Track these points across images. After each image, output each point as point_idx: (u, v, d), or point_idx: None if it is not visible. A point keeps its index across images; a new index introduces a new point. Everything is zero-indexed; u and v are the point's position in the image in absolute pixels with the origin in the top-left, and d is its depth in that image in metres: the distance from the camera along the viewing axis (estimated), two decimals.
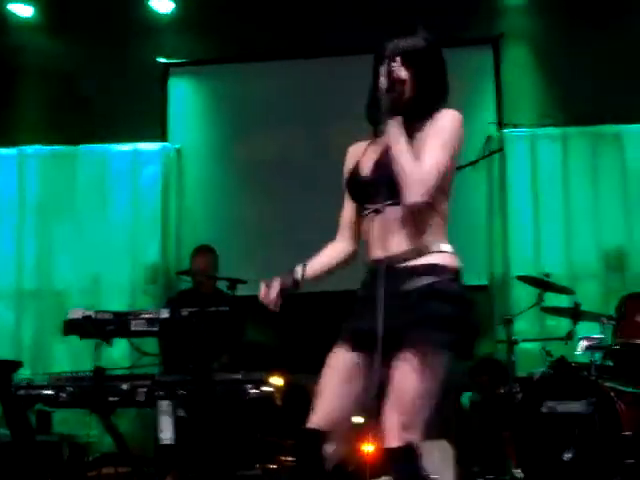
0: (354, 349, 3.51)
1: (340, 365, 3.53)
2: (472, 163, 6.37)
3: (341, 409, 3.53)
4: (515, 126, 7.98)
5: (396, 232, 3.52)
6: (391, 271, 3.46)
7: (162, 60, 8.37)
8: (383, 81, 3.48)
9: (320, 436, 3.48)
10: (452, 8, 7.61)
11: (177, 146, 8.40)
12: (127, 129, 8.24)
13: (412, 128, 3.50)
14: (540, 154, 8.13)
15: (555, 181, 8.07)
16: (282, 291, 3.71)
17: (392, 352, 3.38)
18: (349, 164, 3.72)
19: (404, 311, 3.38)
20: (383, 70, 3.50)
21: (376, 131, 3.68)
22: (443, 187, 3.49)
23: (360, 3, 7.89)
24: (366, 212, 3.58)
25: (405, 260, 3.48)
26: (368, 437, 5.82)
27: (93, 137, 8.29)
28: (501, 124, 8.06)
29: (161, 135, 8.41)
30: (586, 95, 7.93)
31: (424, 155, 3.45)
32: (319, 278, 3.78)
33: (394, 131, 3.47)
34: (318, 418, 3.51)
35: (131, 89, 8.21)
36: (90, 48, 8.20)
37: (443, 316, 3.41)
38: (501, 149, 7.49)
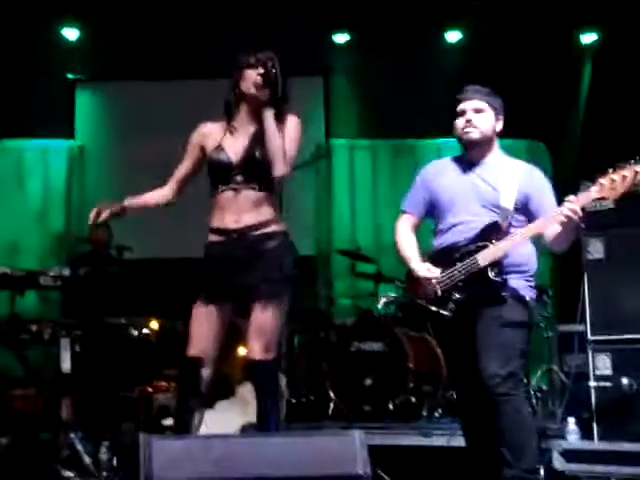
0: (213, 301, 3.66)
1: (204, 314, 3.67)
2: (304, 165, 6.42)
3: (209, 344, 3.69)
4: (338, 137, 8.20)
5: (250, 208, 3.62)
6: (245, 238, 3.62)
7: (70, 76, 8.30)
8: (259, 79, 3.58)
9: (199, 361, 3.66)
10: (290, 44, 7.31)
11: (79, 143, 8.31)
12: (41, 129, 8.09)
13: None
14: (356, 159, 8.29)
15: (367, 179, 8.24)
16: (112, 213, 3.88)
17: (250, 299, 3.59)
18: (208, 142, 3.74)
19: (259, 268, 3.56)
20: (256, 72, 3.58)
21: (229, 122, 3.72)
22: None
23: (227, 37, 7.37)
24: (223, 188, 3.63)
25: (257, 229, 3.61)
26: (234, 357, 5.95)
27: (13, 134, 8.14)
28: (328, 135, 8.20)
29: (68, 134, 8.30)
30: (391, 116, 7.99)
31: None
32: (137, 210, 3.97)
33: (271, 118, 3.57)
34: (195, 350, 3.69)
35: (45, 98, 8.02)
36: (13, 65, 7.86)
37: (287, 274, 3.62)
38: (327, 154, 7.60)
